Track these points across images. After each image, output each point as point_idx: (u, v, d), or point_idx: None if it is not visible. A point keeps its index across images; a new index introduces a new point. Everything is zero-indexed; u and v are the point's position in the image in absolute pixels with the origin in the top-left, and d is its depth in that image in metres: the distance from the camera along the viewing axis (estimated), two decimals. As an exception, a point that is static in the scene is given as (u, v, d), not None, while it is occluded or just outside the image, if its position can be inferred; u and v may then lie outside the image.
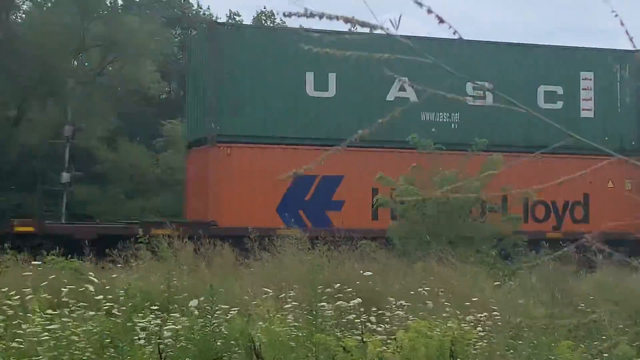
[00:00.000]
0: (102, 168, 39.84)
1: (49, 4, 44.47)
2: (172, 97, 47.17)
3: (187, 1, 52.75)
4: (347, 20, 2.75)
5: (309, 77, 26.45)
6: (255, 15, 56.82)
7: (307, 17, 3.01)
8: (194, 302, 8.44)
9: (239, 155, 25.83)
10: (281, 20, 56.01)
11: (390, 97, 27.35)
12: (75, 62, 42.42)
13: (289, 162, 23.28)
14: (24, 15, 45.69)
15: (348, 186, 27.68)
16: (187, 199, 30.49)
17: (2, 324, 8.40)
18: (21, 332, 8.17)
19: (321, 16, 2.82)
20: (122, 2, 46.98)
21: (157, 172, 39.86)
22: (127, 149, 40.63)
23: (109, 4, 45.94)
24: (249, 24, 20.83)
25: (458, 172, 20.12)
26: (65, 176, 35.44)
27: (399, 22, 2.80)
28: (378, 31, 2.74)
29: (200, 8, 54.51)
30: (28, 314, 8.82)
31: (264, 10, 56.37)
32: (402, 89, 25.17)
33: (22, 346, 7.87)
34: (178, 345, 7.90)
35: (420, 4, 2.82)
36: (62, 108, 39.40)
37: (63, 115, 38.42)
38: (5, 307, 9.17)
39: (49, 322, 8.45)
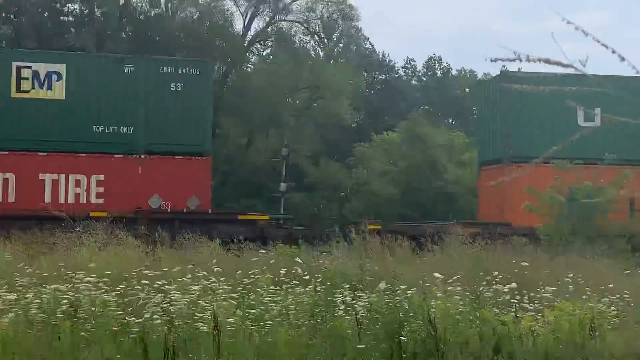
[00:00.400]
0: (309, 180, 40.70)
1: (271, 57, 46.03)
2: (362, 125, 47.37)
3: (373, 51, 53.05)
4: (547, 61, 2.58)
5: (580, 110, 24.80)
6: (427, 60, 56.64)
7: (513, 61, 2.84)
8: (382, 285, 8.37)
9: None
10: (447, 64, 55.58)
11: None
12: (290, 100, 43.54)
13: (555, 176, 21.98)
14: (252, 67, 47.30)
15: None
16: (479, 205, 28.40)
17: (240, 295, 8.51)
18: (253, 302, 8.30)
19: (527, 59, 2.65)
20: (323, 54, 47.77)
21: (349, 184, 40.17)
22: (327, 166, 41.38)
23: (314, 55, 46.89)
24: (526, 71, 20.77)
25: (593, 183, 19.37)
26: (283, 186, 36.29)
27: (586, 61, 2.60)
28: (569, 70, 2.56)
29: (384, 56, 54.71)
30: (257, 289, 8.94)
31: (433, 56, 56.15)
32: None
33: (253, 311, 7.98)
34: (370, 317, 7.86)
35: (607, 46, 2.63)
36: (280, 135, 40.66)
37: (281, 140, 39.58)
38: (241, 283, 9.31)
39: (273, 295, 8.59)
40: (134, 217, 19.34)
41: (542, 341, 7.40)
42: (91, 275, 8.64)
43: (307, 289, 9.00)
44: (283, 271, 9.98)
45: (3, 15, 40.94)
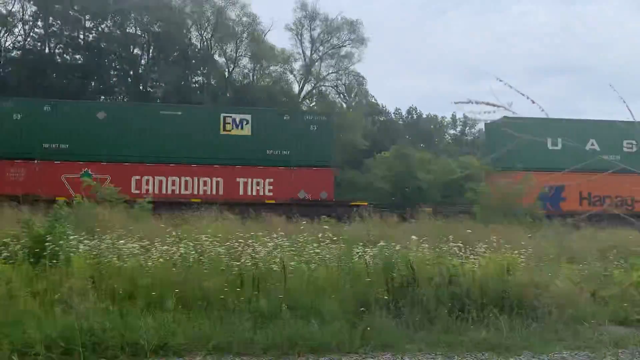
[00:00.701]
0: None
1: (315, 107, 45.85)
2: (369, 148, 47.23)
3: (375, 102, 52.64)
4: (487, 103, 2.58)
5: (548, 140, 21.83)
6: (408, 108, 56.17)
7: (467, 103, 2.85)
8: (382, 242, 8.35)
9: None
10: (420, 111, 54.94)
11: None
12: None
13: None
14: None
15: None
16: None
17: (296, 249, 8.49)
18: (305, 253, 8.28)
19: (475, 102, 2.66)
20: (345, 105, 47.61)
21: (363, 183, 39.64)
22: (350, 172, 40.88)
23: (339, 105, 46.87)
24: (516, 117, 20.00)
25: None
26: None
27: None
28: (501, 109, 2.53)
29: (382, 106, 54.31)
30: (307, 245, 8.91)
31: (411, 106, 55.83)
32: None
33: (304, 258, 7.98)
34: (373, 262, 7.86)
35: (524, 94, 2.64)
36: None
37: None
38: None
39: (317, 246, 8.59)
40: (289, 203, 20.05)
41: (478, 276, 7.35)
42: (209, 236, 8.78)
43: (335, 245, 9.01)
44: (320, 234, 9.91)
45: (156, 83, 41.57)
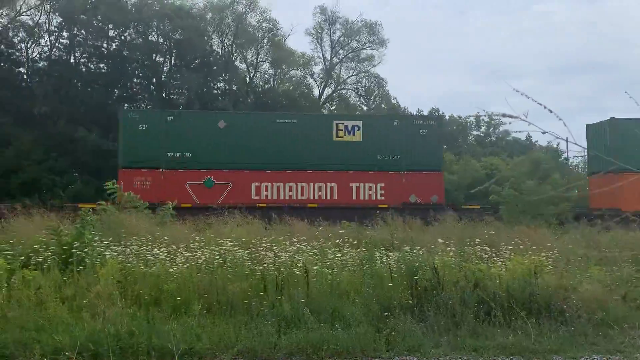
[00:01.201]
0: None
1: (335, 111, 45.86)
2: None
3: (397, 104, 52.28)
4: (503, 115, 2.53)
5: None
6: (429, 110, 55.76)
7: (484, 115, 2.85)
8: (405, 247, 8.30)
9: None
10: (442, 112, 54.58)
11: None
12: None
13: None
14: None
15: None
16: None
17: (316, 253, 8.51)
18: (328, 257, 8.30)
19: (492, 113, 2.66)
20: (365, 108, 47.54)
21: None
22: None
23: (359, 109, 46.79)
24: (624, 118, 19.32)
25: None
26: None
27: None
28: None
29: (404, 108, 53.99)
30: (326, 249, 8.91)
31: (433, 107, 55.33)
32: None
33: (326, 262, 7.99)
34: (397, 265, 7.82)
35: (538, 102, 2.61)
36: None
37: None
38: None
39: (336, 252, 8.59)
40: (401, 207, 19.90)
41: (504, 280, 7.26)
42: (231, 241, 8.85)
43: (358, 249, 8.99)
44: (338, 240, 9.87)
45: (178, 90, 42.10)
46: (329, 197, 21.41)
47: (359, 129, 22.08)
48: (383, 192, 21.81)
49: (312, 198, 21.34)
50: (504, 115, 2.72)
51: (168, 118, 21.40)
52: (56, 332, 5.52)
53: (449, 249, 8.09)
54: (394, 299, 6.88)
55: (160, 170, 20.74)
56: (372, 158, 21.79)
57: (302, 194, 21.35)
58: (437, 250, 8.07)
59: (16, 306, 6.28)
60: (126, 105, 41.28)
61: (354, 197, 21.54)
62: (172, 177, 20.71)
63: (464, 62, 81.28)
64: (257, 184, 21.17)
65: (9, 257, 7.71)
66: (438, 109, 56.38)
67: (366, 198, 21.62)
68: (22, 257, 7.79)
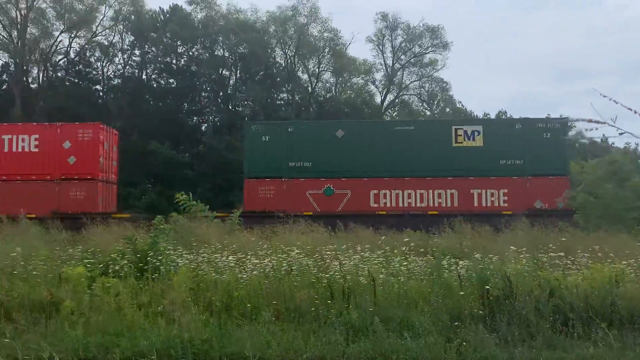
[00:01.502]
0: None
1: (397, 117, 45.52)
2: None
3: (462, 108, 51.11)
4: (589, 120, 2.42)
5: None
6: (497, 113, 54.17)
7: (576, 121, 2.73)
8: (477, 255, 8.07)
9: None
10: (510, 115, 52.86)
11: None
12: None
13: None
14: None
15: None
16: None
17: (381, 261, 8.43)
18: (395, 265, 8.21)
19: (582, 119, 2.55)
20: (429, 113, 46.85)
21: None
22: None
23: (422, 113, 46.14)
24: None
25: None
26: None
27: None
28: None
29: (470, 112, 52.76)
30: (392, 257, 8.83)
31: (501, 110, 53.60)
32: None
33: (392, 271, 7.91)
34: (467, 274, 7.62)
35: (616, 101, 2.48)
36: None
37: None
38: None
39: (402, 260, 8.47)
40: (527, 214, 18.86)
41: (581, 289, 6.90)
42: (297, 249, 8.93)
43: (424, 258, 8.83)
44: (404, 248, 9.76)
45: (243, 102, 43.23)
46: (449, 204, 20.91)
47: (479, 134, 21.53)
48: (506, 198, 21.05)
49: (432, 205, 20.97)
50: (590, 121, 2.58)
51: (289, 129, 21.91)
52: (134, 337, 5.76)
53: (521, 256, 7.77)
54: (465, 308, 6.70)
55: (283, 179, 21.21)
56: (493, 163, 21.07)
57: (421, 201, 21.05)
58: (509, 258, 7.77)
59: (97, 312, 6.62)
60: (194, 118, 42.82)
61: (476, 204, 20.93)
62: (293, 186, 21.11)
63: (533, 62, 78.52)
64: (375, 191, 21.18)
65: (88, 265, 8.17)
66: (505, 112, 54.64)
67: (488, 204, 20.96)
68: (101, 265, 8.23)
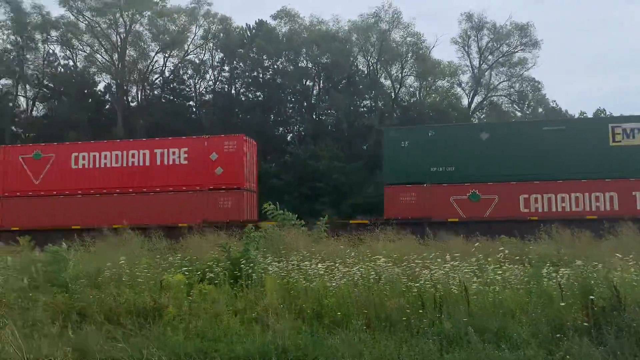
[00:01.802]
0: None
1: (485, 120, 43.98)
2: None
3: (556, 107, 48.47)
4: None
5: None
6: (594, 111, 50.88)
7: None
8: (578, 262, 7.57)
9: None
10: (610, 113, 49.51)
11: None
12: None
13: None
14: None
15: None
16: None
17: (473, 269, 8.15)
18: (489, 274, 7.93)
19: None
20: (520, 114, 44.88)
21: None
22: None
23: (513, 115, 44.27)
24: None
25: None
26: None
27: None
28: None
29: (565, 111, 49.92)
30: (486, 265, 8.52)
31: (599, 108, 50.25)
32: None
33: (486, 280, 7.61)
34: (568, 283, 7.16)
35: None
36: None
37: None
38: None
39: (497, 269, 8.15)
40: None
41: None
42: (383, 257, 8.84)
43: (519, 265, 8.43)
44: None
45: (327, 111, 43.79)
46: (608, 208, 19.45)
47: (639, 132, 19.95)
48: None
49: (588, 209, 19.61)
50: None
51: (429, 133, 21.51)
52: (231, 343, 5.97)
53: (630, 264, 7.21)
54: (567, 319, 6.31)
55: (425, 185, 20.70)
56: None
57: (576, 205, 19.78)
58: (615, 266, 7.24)
59: (196, 317, 6.94)
60: (280, 128, 43.93)
61: (639, 207, 19.24)
62: (436, 192, 20.53)
63: (632, 56, 72.99)
64: (525, 195, 20.06)
65: (186, 272, 8.59)
66: (604, 110, 51.21)
67: (607, 209, 19.40)
68: (199, 273, 8.62)
